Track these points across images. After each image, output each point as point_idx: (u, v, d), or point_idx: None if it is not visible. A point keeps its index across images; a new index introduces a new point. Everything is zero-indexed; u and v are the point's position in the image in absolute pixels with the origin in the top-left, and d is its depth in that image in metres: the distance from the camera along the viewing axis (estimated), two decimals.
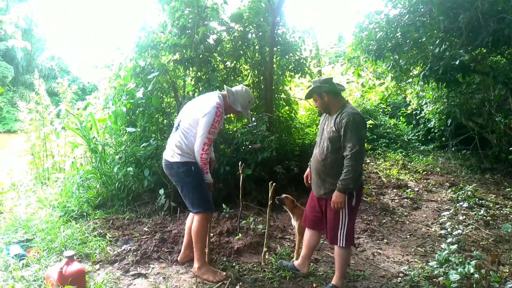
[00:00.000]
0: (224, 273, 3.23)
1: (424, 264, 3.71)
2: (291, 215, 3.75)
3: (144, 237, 4.01)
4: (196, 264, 3.23)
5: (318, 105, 3.07)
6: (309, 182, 3.31)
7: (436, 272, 3.40)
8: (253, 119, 5.47)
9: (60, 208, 4.58)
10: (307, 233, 3.30)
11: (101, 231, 4.09)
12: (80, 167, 5.64)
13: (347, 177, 2.74)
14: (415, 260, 3.89)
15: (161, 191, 4.81)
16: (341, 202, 2.80)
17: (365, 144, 2.67)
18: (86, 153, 5.92)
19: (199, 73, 5.67)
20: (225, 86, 3.31)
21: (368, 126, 10.15)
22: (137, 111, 5.57)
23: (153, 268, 3.39)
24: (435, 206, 6.00)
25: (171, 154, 3.20)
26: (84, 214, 4.60)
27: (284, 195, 3.71)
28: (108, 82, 6.23)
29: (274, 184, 3.52)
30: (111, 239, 3.94)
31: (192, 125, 3.10)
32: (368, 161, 9.33)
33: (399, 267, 3.70)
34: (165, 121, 5.89)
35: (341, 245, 2.95)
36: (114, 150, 5.29)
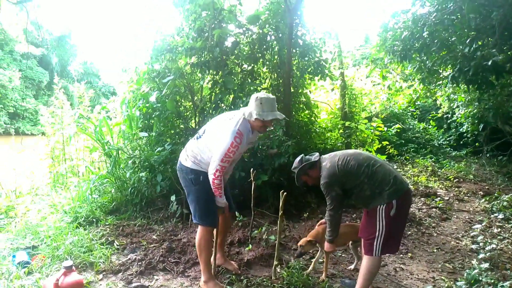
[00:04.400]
0: None
1: (451, 282, 3.39)
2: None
3: (151, 245, 3.90)
4: (202, 278, 3.09)
5: (311, 182, 3.23)
6: None
7: None
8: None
9: (71, 213, 4.55)
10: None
11: (109, 238, 4.01)
12: (97, 172, 5.63)
13: (329, 230, 3.07)
14: (442, 277, 3.58)
15: (173, 198, 4.71)
16: (328, 249, 3.20)
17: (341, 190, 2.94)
18: (101, 157, 5.92)
19: (216, 77, 5.56)
20: (241, 109, 3.13)
21: (395, 130, 9.81)
22: (153, 115, 5.52)
23: (157, 280, 3.26)
24: (467, 217, 5.61)
25: (185, 157, 3.17)
26: (95, 220, 4.55)
27: (299, 245, 3.45)
28: (127, 86, 6.23)
29: (285, 193, 3.30)
30: (118, 247, 3.85)
31: (211, 143, 3.05)
32: (395, 167, 8.93)
33: (423, 285, 3.41)
34: (182, 125, 5.80)
35: (375, 255, 2.83)
36: (128, 154, 5.23)
